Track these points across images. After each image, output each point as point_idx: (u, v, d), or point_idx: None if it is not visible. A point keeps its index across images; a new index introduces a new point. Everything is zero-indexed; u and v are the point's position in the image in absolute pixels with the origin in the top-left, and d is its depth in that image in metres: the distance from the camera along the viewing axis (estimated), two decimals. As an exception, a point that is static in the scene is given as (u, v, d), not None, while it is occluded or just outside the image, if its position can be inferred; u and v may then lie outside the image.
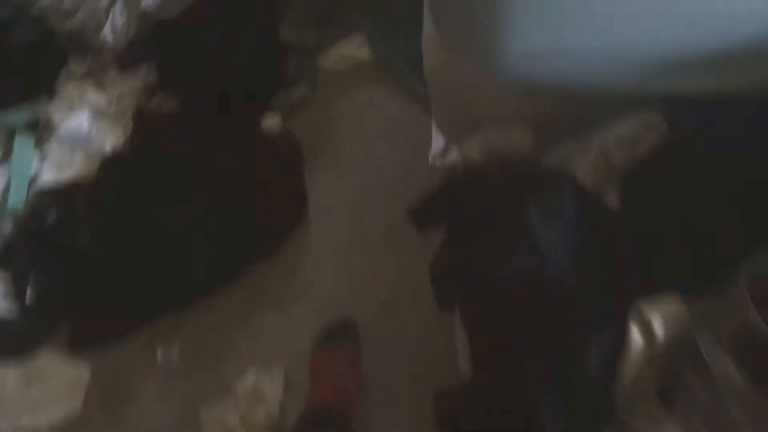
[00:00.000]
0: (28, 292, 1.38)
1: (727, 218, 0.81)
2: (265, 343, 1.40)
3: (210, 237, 1.45)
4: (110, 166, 1.49)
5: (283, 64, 1.60)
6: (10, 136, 1.60)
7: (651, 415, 0.70)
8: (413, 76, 1.59)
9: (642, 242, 0.82)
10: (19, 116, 1.61)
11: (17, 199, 1.53)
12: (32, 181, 1.56)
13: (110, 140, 1.55)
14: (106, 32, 1.63)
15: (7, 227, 1.48)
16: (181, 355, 1.39)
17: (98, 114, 1.58)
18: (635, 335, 0.74)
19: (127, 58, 1.61)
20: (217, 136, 1.54)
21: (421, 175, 1.51)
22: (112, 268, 1.42)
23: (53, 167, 1.55)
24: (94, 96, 1.60)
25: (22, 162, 1.57)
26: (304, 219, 1.51)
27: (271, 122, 1.58)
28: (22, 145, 1.59)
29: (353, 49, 1.65)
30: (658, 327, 0.74)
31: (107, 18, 1.63)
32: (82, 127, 1.56)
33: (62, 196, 1.47)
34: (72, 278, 1.37)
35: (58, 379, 1.37)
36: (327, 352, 1.35)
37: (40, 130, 1.62)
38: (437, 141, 1.51)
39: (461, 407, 0.88)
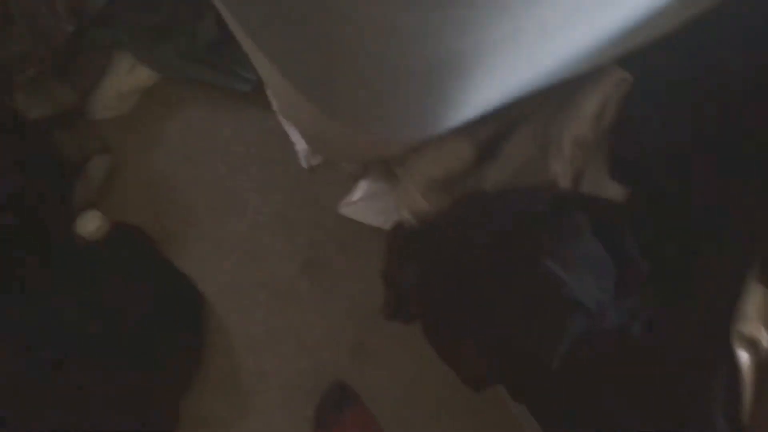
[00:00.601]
0: None
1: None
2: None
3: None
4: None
5: (54, 150, 1.15)
6: None
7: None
8: (225, 77, 1.22)
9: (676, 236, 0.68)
10: None
11: None
12: None
13: None
14: None
15: None
16: None
17: None
18: (741, 355, 0.63)
19: None
20: (41, 284, 1.13)
21: (306, 187, 1.24)
22: None
23: None
24: None
25: None
26: (205, 311, 1.20)
27: (91, 224, 1.17)
28: None
29: (127, 78, 1.21)
30: (758, 329, 0.63)
31: None
32: None
33: None
34: None
35: None
36: (333, 427, 1.16)
37: None
38: (300, 141, 1.22)
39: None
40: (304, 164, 1.23)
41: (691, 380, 0.64)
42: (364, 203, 1.19)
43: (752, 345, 0.63)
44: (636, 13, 0.50)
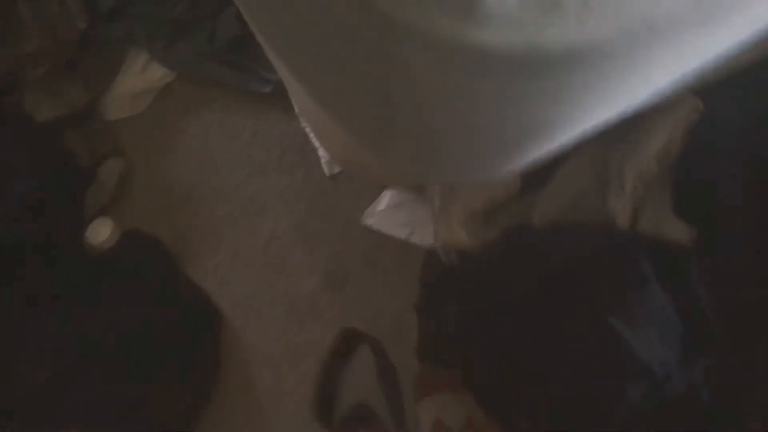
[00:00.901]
0: None
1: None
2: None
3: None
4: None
5: (65, 152, 1.09)
6: None
7: None
8: (244, 76, 1.15)
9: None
10: None
11: None
12: None
13: None
14: None
15: None
16: None
17: None
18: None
19: None
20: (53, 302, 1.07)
21: (328, 195, 1.17)
22: None
23: None
24: None
25: None
26: (220, 326, 1.14)
27: (102, 232, 1.11)
28: None
29: (141, 77, 1.15)
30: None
31: None
32: None
33: None
34: None
35: None
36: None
37: None
38: (323, 149, 1.15)
39: None
40: (326, 171, 1.16)
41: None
42: (389, 213, 1.13)
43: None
44: (724, 51, 0.43)
